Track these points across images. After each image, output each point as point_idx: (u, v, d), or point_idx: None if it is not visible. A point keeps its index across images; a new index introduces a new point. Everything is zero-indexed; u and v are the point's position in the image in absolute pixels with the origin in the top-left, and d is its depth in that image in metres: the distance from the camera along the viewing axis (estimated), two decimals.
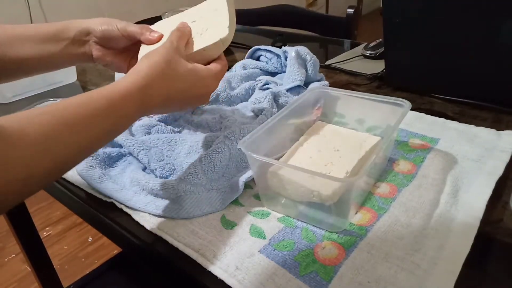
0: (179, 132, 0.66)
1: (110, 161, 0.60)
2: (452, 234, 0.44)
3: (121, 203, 0.53)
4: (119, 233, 0.51)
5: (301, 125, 0.61)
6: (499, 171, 0.52)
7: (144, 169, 0.58)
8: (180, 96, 0.49)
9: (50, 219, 1.84)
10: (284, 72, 0.81)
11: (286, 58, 0.81)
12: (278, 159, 0.54)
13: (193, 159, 0.56)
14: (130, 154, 0.61)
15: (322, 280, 0.40)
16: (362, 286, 0.39)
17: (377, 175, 0.54)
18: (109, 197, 0.54)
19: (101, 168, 0.57)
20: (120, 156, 0.61)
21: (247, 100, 0.76)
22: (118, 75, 0.81)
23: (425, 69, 0.76)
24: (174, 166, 0.57)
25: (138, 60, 0.55)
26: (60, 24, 0.55)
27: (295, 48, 0.79)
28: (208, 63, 0.53)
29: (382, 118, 0.58)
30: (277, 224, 0.48)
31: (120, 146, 0.61)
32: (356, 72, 0.89)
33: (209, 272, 0.42)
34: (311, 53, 0.80)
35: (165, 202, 0.51)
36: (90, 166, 0.56)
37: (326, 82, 0.81)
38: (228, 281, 0.41)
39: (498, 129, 0.62)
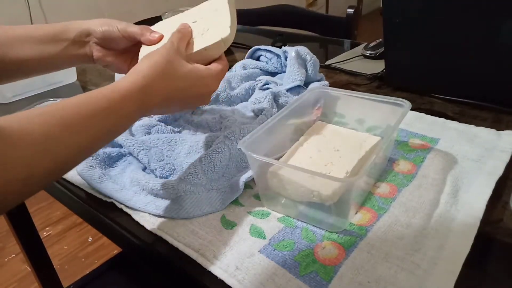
0: (179, 132, 0.66)
1: (110, 161, 0.60)
2: (452, 234, 0.44)
3: (121, 203, 0.53)
4: (119, 233, 0.51)
5: (301, 125, 0.61)
6: (499, 171, 0.52)
7: (144, 169, 0.58)
8: (181, 96, 0.49)
9: (50, 219, 1.84)
10: (284, 72, 0.81)
11: (286, 58, 0.81)
12: (278, 159, 0.54)
13: (193, 159, 0.56)
14: (130, 154, 0.61)
15: (322, 280, 0.40)
16: (362, 286, 0.39)
17: (377, 175, 0.54)
18: (109, 197, 0.54)
19: (101, 168, 0.57)
20: (120, 156, 0.61)
21: (247, 100, 0.76)
22: (118, 76, 0.81)
23: (425, 69, 0.76)
24: (174, 166, 0.57)
25: (138, 60, 0.55)
26: (60, 25, 0.55)
27: (295, 48, 0.79)
28: (209, 63, 0.53)
29: (382, 118, 0.58)
30: (277, 224, 0.48)
31: (120, 146, 0.61)
32: (356, 72, 0.89)
33: (209, 272, 0.42)
34: (311, 53, 0.80)
35: (165, 202, 0.51)
36: (90, 166, 0.56)
37: (326, 82, 0.81)
38: (228, 281, 0.41)
39: (498, 129, 0.62)
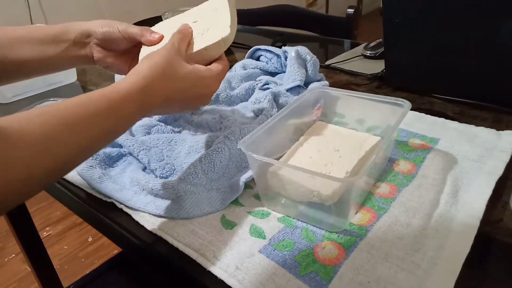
0: (179, 132, 0.66)
1: (110, 161, 0.60)
2: (452, 234, 0.44)
3: (121, 203, 0.53)
4: (119, 233, 0.51)
5: (301, 125, 0.61)
6: (499, 171, 0.52)
7: (144, 169, 0.58)
8: (181, 96, 0.49)
9: (50, 219, 1.84)
10: (284, 72, 0.81)
11: (286, 58, 0.81)
12: (278, 159, 0.54)
13: (193, 159, 0.56)
14: (130, 154, 0.61)
15: (322, 280, 0.40)
16: (362, 286, 0.39)
17: (377, 175, 0.54)
18: (109, 197, 0.54)
19: (101, 168, 0.57)
20: (120, 156, 0.61)
21: (247, 100, 0.76)
22: (118, 77, 0.81)
23: (425, 69, 0.76)
24: (174, 166, 0.57)
25: (138, 61, 0.55)
26: (60, 26, 0.55)
27: (295, 48, 0.79)
28: (210, 64, 0.53)
29: (382, 118, 0.58)
30: (277, 224, 0.48)
31: (120, 146, 0.61)
32: (356, 72, 0.89)
33: (209, 272, 0.42)
34: (311, 53, 0.80)
35: (165, 202, 0.51)
36: (90, 166, 0.56)
37: (326, 82, 0.81)
38: (228, 281, 0.41)
39: (498, 129, 0.62)
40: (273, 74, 0.85)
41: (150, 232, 0.48)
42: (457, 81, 0.74)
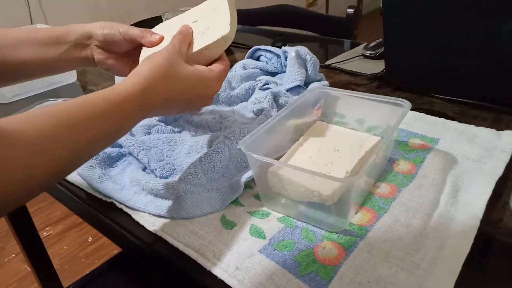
0: (179, 132, 0.66)
1: (110, 161, 0.60)
2: (452, 234, 0.44)
3: (121, 203, 0.53)
4: (119, 233, 0.51)
5: (301, 125, 0.61)
6: (499, 171, 0.52)
7: (144, 169, 0.58)
8: (182, 98, 0.48)
9: (50, 219, 1.84)
10: (284, 72, 0.81)
11: (286, 58, 0.81)
12: (278, 159, 0.54)
13: (193, 159, 0.56)
14: (130, 154, 0.61)
15: (322, 280, 0.40)
16: (362, 286, 0.39)
17: (377, 175, 0.54)
18: (109, 197, 0.54)
19: (101, 168, 0.57)
20: (120, 156, 0.61)
21: (247, 100, 0.76)
22: (118, 79, 0.81)
23: (425, 69, 0.76)
24: (174, 166, 0.57)
25: (139, 62, 0.55)
26: (61, 28, 0.55)
27: (295, 48, 0.79)
28: (211, 64, 0.53)
29: (382, 118, 0.58)
30: (277, 224, 0.48)
31: (120, 146, 0.61)
32: (356, 72, 0.89)
33: (209, 272, 0.42)
34: (311, 53, 0.80)
35: (165, 202, 0.51)
36: (90, 166, 0.56)
37: (326, 82, 0.81)
38: (228, 281, 0.41)
39: (498, 129, 0.62)
40: (273, 74, 0.85)
41: (150, 232, 0.48)
42: (457, 81, 0.74)
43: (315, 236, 0.46)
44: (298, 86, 0.76)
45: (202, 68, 0.50)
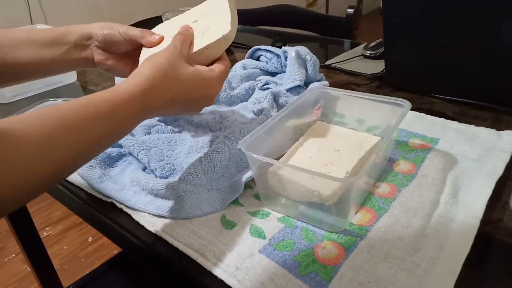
0: (179, 132, 0.66)
1: (110, 161, 0.60)
2: (452, 234, 0.44)
3: (121, 203, 0.53)
4: (119, 233, 0.51)
5: (301, 125, 0.61)
6: (499, 171, 0.52)
7: (144, 169, 0.58)
8: (183, 98, 0.48)
9: (50, 219, 1.84)
10: (284, 72, 0.81)
11: (286, 58, 0.81)
12: (278, 159, 0.54)
13: (193, 159, 0.56)
14: (130, 154, 0.61)
15: (322, 280, 0.40)
16: (362, 286, 0.39)
17: (377, 175, 0.54)
18: (109, 197, 0.54)
19: (101, 168, 0.57)
20: (120, 156, 0.61)
21: (247, 100, 0.76)
22: (118, 80, 0.81)
23: (425, 69, 0.76)
24: (174, 166, 0.57)
25: (139, 63, 0.54)
26: (61, 29, 0.55)
27: (295, 48, 0.79)
28: (211, 63, 0.53)
29: (382, 118, 0.58)
30: (277, 224, 0.48)
31: (120, 146, 0.61)
32: (356, 72, 0.89)
33: (209, 272, 0.42)
34: (311, 53, 0.80)
35: (165, 202, 0.51)
36: (90, 166, 0.56)
37: (326, 82, 0.81)
38: (228, 281, 0.41)
39: (498, 129, 0.62)
40: (273, 74, 0.85)
41: (150, 232, 0.48)
42: (457, 81, 0.74)
43: (315, 236, 0.46)
44: (298, 86, 0.76)
45: (203, 68, 0.50)
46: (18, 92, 0.90)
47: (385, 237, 0.44)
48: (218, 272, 0.42)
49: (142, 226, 0.49)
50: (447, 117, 0.67)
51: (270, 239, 0.45)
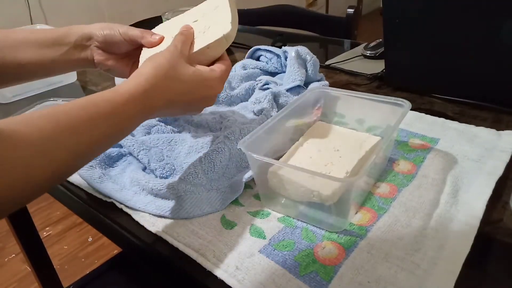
0: (179, 132, 0.66)
1: (110, 161, 0.60)
2: (452, 234, 0.44)
3: (121, 203, 0.53)
4: (119, 233, 0.51)
5: (301, 125, 0.61)
6: (499, 171, 0.52)
7: (144, 169, 0.58)
8: (184, 99, 0.48)
9: (50, 219, 1.84)
10: (284, 72, 0.81)
11: (286, 58, 0.81)
12: (278, 159, 0.54)
13: (193, 159, 0.56)
14: (130, 154, 0.61)
15: (322, 280, 0.40)
16: (362, 286, 0.39)
17: (377, 175, 0.54)
18: (109, 197, 0.54)
19: (101, 168, 0.57)
20: (120, 156, 0.61)
21: (247, 100, 0.76)
22: (118, 80, 0.81)
23: (425, 69, 0.76)
24: (174, 166, 0.57)
25: (139, 63, 0.54)
26: (61, 30, 0.55)
27: (295, 48, 0.79)
28: (212, 63, 0.53)
29: (382, 118, 0.58)
30: (277, 224, 0.48)
31: (120, 146, 0.61)
32: (356, 72, 0.89)
33: (209, 272, 0.42)
34: (311, 53, 0.80)
35: (165, 202, 0.51)
36: (90, 166, 0.56)
37: (326, 82, 0.81)
38: (228, 281, 0.41)
39: (498, 129, 0.62)
40: (273, 74, 0.85)
41: (150, 232, 0.48)
42: (457, 81, 0.74)
43: (315, 236, 0.46)
44: (298, 86, 0.76)
45: (203, 68, 0.50)
46: (18, 92, 0.90)
47: (385, 237, 0.44)
48: (218, 272, 0.42)
49: (142, 226, 0.49)
50: (447, 117, 0.67)
51: (270, 239, 0.45)
